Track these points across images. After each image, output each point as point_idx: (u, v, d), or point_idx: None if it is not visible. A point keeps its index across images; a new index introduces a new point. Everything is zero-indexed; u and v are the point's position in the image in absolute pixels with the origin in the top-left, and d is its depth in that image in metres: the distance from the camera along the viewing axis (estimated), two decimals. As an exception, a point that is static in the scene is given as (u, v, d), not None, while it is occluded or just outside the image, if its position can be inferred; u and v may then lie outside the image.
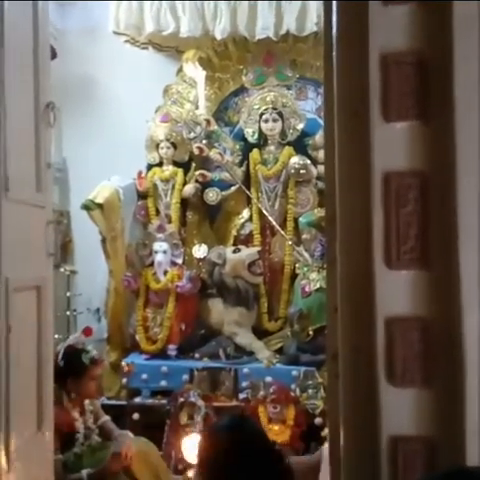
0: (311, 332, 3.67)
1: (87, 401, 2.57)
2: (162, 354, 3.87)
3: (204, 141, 4.08)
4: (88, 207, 3.83)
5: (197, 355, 3.84)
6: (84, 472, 2.38)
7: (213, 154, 4.04)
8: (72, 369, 2.54)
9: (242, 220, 4.11)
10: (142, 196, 4.15)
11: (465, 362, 1.18)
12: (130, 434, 2.62)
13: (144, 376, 3.74)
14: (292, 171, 3.94)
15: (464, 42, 1.23)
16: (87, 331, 2.67)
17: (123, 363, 3.82)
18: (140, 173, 4.12)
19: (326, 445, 1.74)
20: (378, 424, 1.21)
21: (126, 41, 4.17)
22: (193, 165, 4.16)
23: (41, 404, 2.02)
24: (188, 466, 2.88)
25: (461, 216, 1.23)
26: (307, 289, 3.76)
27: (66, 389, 2.51)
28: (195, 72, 4.08)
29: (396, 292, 1.25)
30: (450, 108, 1.26)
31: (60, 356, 2.50)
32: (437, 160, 1.28)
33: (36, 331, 2.02)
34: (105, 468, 2.41)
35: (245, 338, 3.87)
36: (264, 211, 3.99)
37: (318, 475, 2.12)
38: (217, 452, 1.68)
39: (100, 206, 3.84)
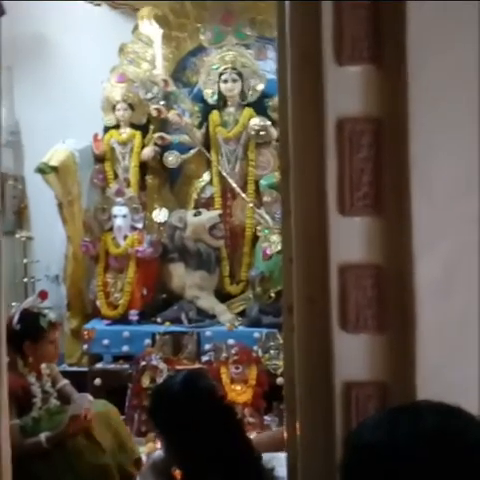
0: (273, 294, 3.69)
1: (44, 365, 2.52)
2: (123, 319, 3.85)
3: (162, 102, 3.99)
4: (42, 170, 3.73)
5: (159, 320, 3.82)
6: (42, 435, 2.34)
7: (172, 116, 3.96)
8: (30, 333, 2.48)
9: (202, 183, 4.06)
10: (99, 159, 4.06)
11: (416, 308, 1.18)
12: (89, 396, 2.59)
13: (105, 342, 3.71)
14: (252, 133, 3.89)
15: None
16: (43, 294, 2.60)
17: (84, 329, 3.78)
18: (96, 136, 4.02)
19: None
20: (332, 371, 1.20)
21: (78, -4, 4.02)
22: (151, 127, 4.07)
23: (-6, 369, 1.96)
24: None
25: (413, 162, 1.21)
26: (268, 252, 3.77)
27: (22, 353, 2.45)
28: (151, 30, 3.97)
29: (349, 239, 1.23)
30: (403, 52, 1.23)
31: (16, 320, 2.44)
32: (391, 105, 1.25)
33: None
34: (64, 430, 2.37)
35: (207, 302, 3.86)
36: (224, 174, 3.95)
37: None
38: (169, 403, 1.68)
39: (55, 169, 3.74)
